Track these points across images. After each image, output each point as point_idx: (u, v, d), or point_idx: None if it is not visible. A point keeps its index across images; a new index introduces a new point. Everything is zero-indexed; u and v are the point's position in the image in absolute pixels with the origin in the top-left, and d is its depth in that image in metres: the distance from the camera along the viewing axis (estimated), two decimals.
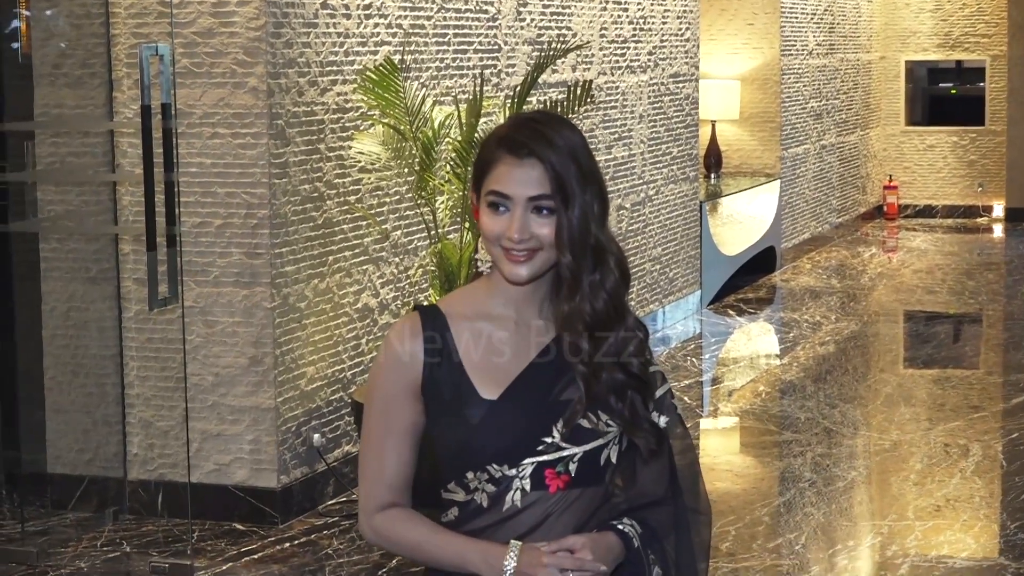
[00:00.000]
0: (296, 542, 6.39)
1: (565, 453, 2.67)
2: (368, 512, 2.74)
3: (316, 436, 6.79)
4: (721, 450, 8.21)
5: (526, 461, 2.66)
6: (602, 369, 2.66)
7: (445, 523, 2.71)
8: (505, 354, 2.70)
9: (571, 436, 2.67)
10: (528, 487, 2.67)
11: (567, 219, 2.61)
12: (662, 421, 2.75)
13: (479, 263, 2.76)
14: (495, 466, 2.66)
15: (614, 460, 2.71)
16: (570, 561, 2.61)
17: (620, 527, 2.71)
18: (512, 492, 2.67)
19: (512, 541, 2.64)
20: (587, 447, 2.68)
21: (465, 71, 7.94)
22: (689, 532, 2.81)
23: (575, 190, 2.62)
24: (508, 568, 2.62)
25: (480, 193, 2.67)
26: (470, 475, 2.68)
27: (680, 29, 11.21)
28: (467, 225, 6.49)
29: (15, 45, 6.83)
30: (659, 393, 2.76)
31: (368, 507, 2.74)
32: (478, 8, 8.11)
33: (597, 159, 8.94)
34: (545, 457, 2.67)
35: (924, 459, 7.59)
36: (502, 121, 3.55)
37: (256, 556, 6.22)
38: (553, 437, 2.67)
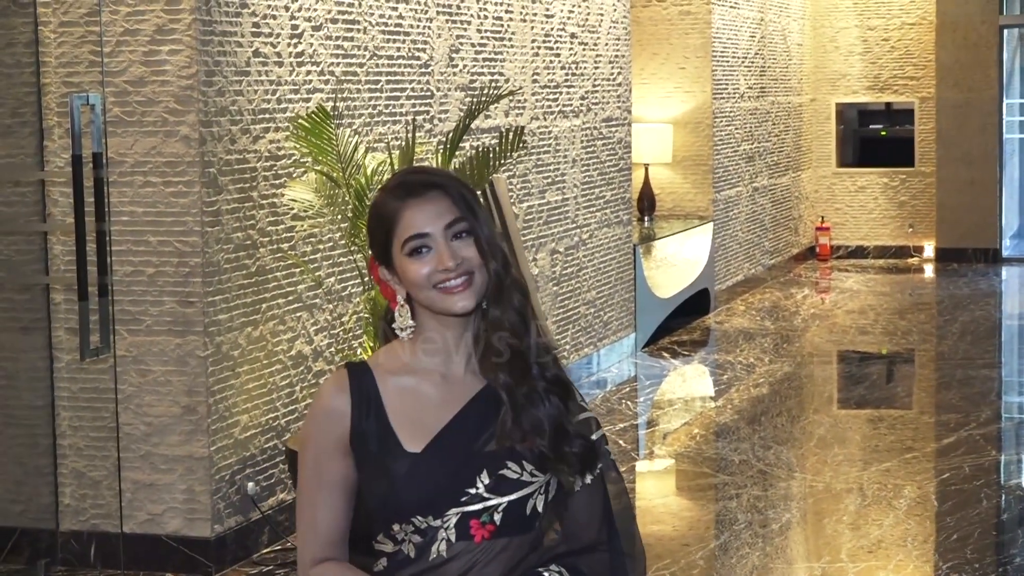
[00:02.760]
0: None
1: (490, 503, 2.70)
2: (303, 567, 2.78)
3: (250, 485, 6.76)
4: (656, 493, 8.22)
5: (450, 512, 2.69)
6: (524, 384, 2.70)
7: (375, 573, 2.73)
8: (430, 407, 2.73)
9: (495, 487, 2.70)
10: (453, 537, 2.70)
11: (482, 231, 2.70)
12: (596, 468, 2.78)
13: (398, 331, 2.78)
14: (419, 518, 2.70)
15: (541, 509, 2.73)
16: None
17: (545, 574, 2.72)
18: (438, 543, 2.70)
19: None
20: (511, 497, 2.71)
21: (398, 117, 7.96)
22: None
23: (476, 206, 2.74)
24: None
25: (391, 254, 2.71)
26: (396, 527, 2.71)
27: (612, 74, 11.27)
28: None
29: None
30: (594, 437, 2.79)
31: (303, 562, 2.78)
32: (410, 55, 8.13)
33: (530, 204, 8.90)
34: (469, 508, 2.69)
35: (858, 500, 7.63)
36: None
37: None
38: (477, 488, 2.69)
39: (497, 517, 2.69)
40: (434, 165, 2.46)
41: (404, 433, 2.70)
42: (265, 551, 6.82)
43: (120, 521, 6.40)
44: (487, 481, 2.69)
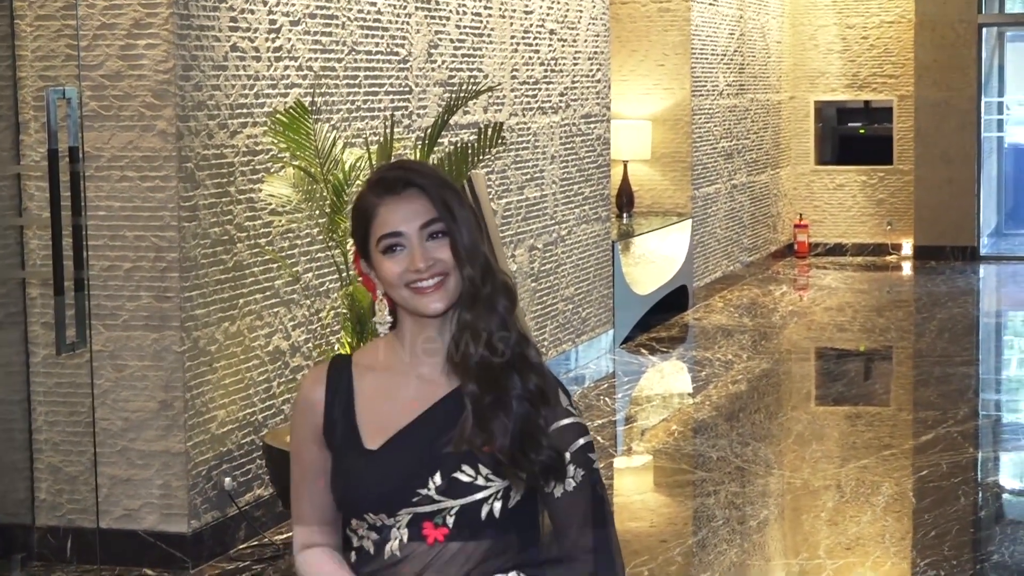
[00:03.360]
0: None
1: (442, 505, 2.69)
2: (294, 552, 2.87)
3: (227, 480, 6.74)
4: (634, 489, 8.21)
5: (402, 512, 2.70)
6: (495, 389, 2.67)
7: (352, 564, 2.78)
8: (397, 406, 2.73)
9: (447, 489, 2.69)
10: (406, 538, 2.71)
11: (459, 234, 2.65)
12: (579, 475, 2.74)
13: (377, 326, 2.75)
14: (371, 515, 2.73)
15: (497, 515, 2.71)
16: None
17: None
18: (392, 541, 2.72)
19: None
20: (463, 501, 2.69)
21: (376, 113, 7.94)
22: None
23: (457, 208, 2.67)
24: None
25: (369, 249, 2.69)
26: (354, 522, 2.77)
27: (591, 70, 11.26)
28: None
29: None
30: (579, 444, 2.76)
31: (295, 547, 2.88)
32: (389, 50, 8.11)
33: (509, 200, 8.89)
34: (421, 509, 2.69)
35: (835, 497, 7.63)
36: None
37: None
38: (428, 489, 2.68)
39: (450, 520, 2.69)
40: (418, 159, 2.44)
41: (367, 430, 2.72)
42: (242, 546, 6.80)
43: (96, 516, 6.37)
44: (439, 482, 2.67)
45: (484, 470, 2.67)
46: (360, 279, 2.84)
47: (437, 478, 2.68)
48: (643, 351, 11.85)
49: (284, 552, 6.68)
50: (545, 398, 2.71)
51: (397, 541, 2.69)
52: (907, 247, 17.15)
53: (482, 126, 7.47)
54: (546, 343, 10.37)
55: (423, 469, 2.68)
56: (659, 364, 11.53)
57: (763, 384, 10.66)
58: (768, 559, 6.82)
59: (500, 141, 6.99)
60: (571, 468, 2.73)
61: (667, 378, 11.27)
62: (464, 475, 2.68)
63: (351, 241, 6.62)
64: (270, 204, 6.94)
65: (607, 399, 10.16)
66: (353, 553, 2.76)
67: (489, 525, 2.69)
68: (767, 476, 8.11)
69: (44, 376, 6.65)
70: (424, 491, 2.67)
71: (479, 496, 2.68)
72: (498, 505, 2.70)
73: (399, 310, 2.71)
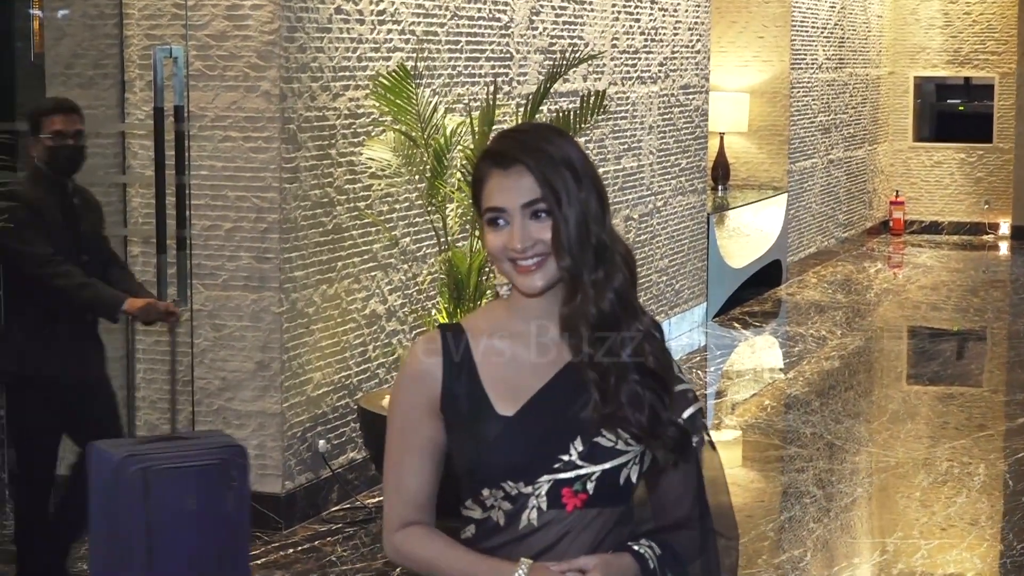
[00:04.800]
0: (299, 548, 6.38)
1: (583, 472, 2.64)
2: (390, 531, 2.72)
3: (321, 442, 6.78)
4: (725, 464, 8.11)
5: (542, 479, 2.63)
6: (614, 370, 2.63)
7: (463, 540, 2.69)
8: (524, 371, 2.67)
9: (589, 454, 2.64)
10: (544, 505, 2.64)
11: (563, 220, 2.59)
12: (692, 441, 2.72)
13: (498, 288, 2.73)
14: (510, 483, 2.63)
15: (635, 480, 2.68)
16: None
17: (637, 548, 2.67)
18: (528, 510, 2.64)
19: (522, 559, 2.61)
20: (606, 466, 2.65)
21: (477, 79, 7.93)
22: (717, 558, 2.77)
23: (567, 190, 2.60)
24: None
25: (480, 214, 2.67)
26: (486, 492, 2.65)
27: (691, 41, 11.20)
28: (476, 233, 6.48)
29: (27, 45, 6.82)
30: (689, 412, 2.73)
31: (390, 526, 2.72)
32: (491, 16, 8.10)
33: (606, 169, 8.85)
34: (562, 475, 2.63)
35: (929, 477, 7.56)
36: None
37: (259, 562, 6.20)
38: (570, 455, 2.63)
39: (590, 486, 2.63)
40: (537, 124, 2.43)
41: (497, 395, 2.64)
42: (335, 509, 6.84)
43: None
44: (581, 448, 2.62)
45: (623, 434, 2.64)
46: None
47: (579, 443, 2.62)
48: (736, 325, 11.79)
49: (375, 516, 6.71)
50: (665, 385, 2.67)
51: (535, 510, 2.62)
52: (1004, 227, 16.94)
53: (582, 94, 7.45)
54: None
55: (563, 434, 2.63)
56: (751, 338, 11.47)
57: (856, 361, 10.58)
58: (860, 538, 6.77)
59: (601, 110, 6.97)
60: (687, 428, 2.71)
61: (759, 353, 11.21)
62: (605, 439, 2.63)
63: (449, 206, 6.65)
64: (370, 168, 6.95)
65: (699, 372, 10.13)
66: (472, 527, 2.67)
67: (626, 490, 2.66)
68: (859, 454, 8.05)
69: (144, 334, 6.71)
70: (566, 457, 2.62)
71: (620, 460, 2.64)
72: (636, 470, 2.66)
73: None
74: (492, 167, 2.62)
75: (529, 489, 2.63)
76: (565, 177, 2.60)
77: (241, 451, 5.10)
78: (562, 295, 2.65)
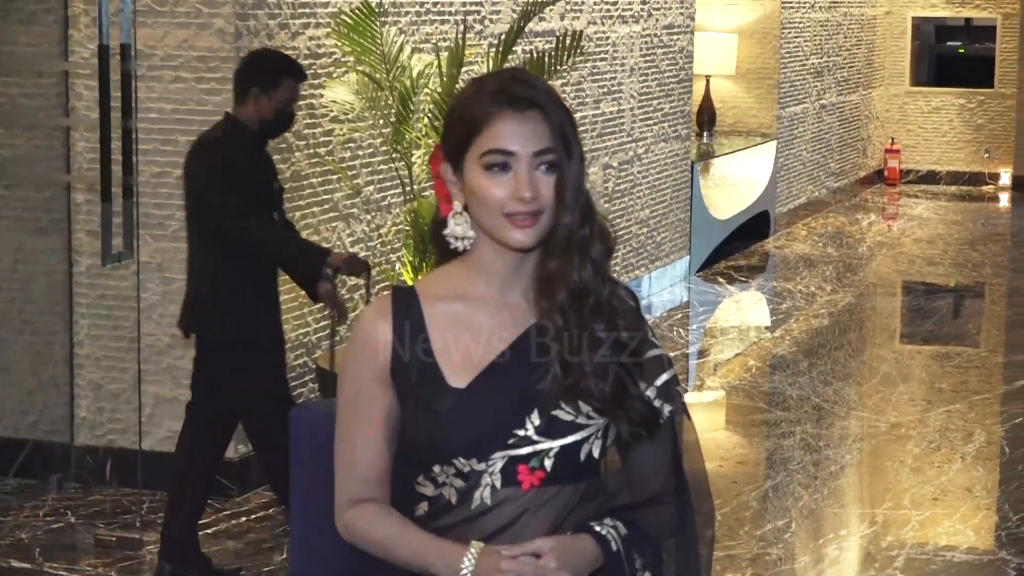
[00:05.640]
0: (253, 516, 6.34)
1: (540, 447, 2.58)
2: (341, 507, 2.68)
3: None
4: (707, 427, 8.15)
5: (496, 455, 2.58)
6: (582, 338, 2.58)
7: (417, 518, 2.64)
8: (480, 339, 2.61)
9: (547, 429, 2.58)
10: (499, 483, 2.58)
11: (569, 173, 2.55)
12: (665, 410, 2.67)
13: (454, 241, 2.64)
14: (462, 460, 2.58)
15: (596, 455, 2.63)
16: (531, 568, 2.52)
17: (598, 529, 2.61)
18: (481, 488, 2.59)
19: (473, 542, 2.56)
20: (564, 441, 2.59)
21: (447, 17, 7.85)
22: (695, 534, 2.73)
23: (573, 141, 2.57)
24: (465, 571, 2.54)
25: (463, 156, 2.58)
26: (437, 468, 2.60)
27: None
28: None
29: None
30: (663, 379, 2.68)
31: (341, 501, 2.68)
32: None
33: (584, 115, 8.79)
34: (517, 451, 2.58)
35: (922, 444, 7.55)
36: (483, 73, 3.49)
37: (210, 531, 6.16)
38: (526, 430, 2.58)
39: (548, 463, 2.58)
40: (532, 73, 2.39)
41: (449, 366, 2.58)
42: None
43: (139, 437, 6.37)
44: (538, 422, 2.57)
45: (584, 407, 2.58)
46: (433, 182, 2.70)
47: (535, 417, 2.57)
48: (720, 280, 11.77)
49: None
50: (638, 349, 2.63)
51: (488, 488, 2.57)
52: (1005, 177, 16.93)
53: (559, 34, 7.38)
54: (618, 269, 10.30)
55: (520, 407, 2.57)
56: (737, 294, 11.45)
57: (847, 319, 10.57)
58: (848, 507, 6.76)
59: (579, 51, 6.90)
60: (657, 403, 2.65)
61: (744, 310, 11.20)
62: (565, 412, 2.59)
63: (416, 153, 6.58)
64: (331, 111, 6.88)
65: (680, 330, 10.10)
66: (424, 504, 2.62)
67: (587, 467, 2.60)
68: (848, 418, 8.04)
69: (88, 287, 6.64)
70: (522, 432, 2.56)
71: (580, 436, 2.59)
72: (598, 445, 2.61)
73: (479, 233, 2.60)
74: (503, 106, 2.55)
75: (482, 466, 2.58)
76: (571, 127, 2.57)
77: None
78: (538, 255, 2.60)
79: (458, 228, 2.60)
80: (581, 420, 2.60)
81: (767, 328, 10.42)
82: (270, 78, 5.58)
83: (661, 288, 11.14)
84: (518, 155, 2.53)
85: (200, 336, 5.65)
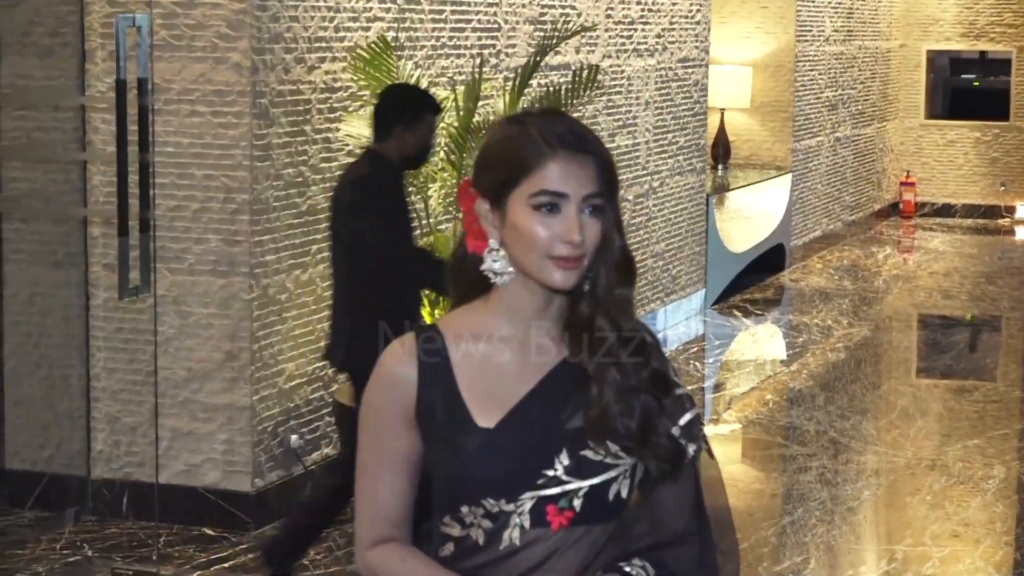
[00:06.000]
0: None
1: (569, 487, 2.57)
2: (362, 547, 2.66)
3: (294, 437, 6.72)
4: (723, 462, 8.13)
5: (525, 495, 2.57)
6: (608, 375, 2.59)
7: (442, 558, 2.62)
8: (507, 378, 2.61)
9: (576, 469, 2.58)
10: (527, 524, 2.57)
11: (612, 214, 2.58)
12: (690, 449, 2.67)
13: (493, 276, 2.63)
14: (491, 500, 2.57)
15: (625, 495, 2.62)
16: None
17: (628, 569, 2.61)
18: (510, 529, 2.57)
19: None
20: (594, 481, 2.58)
21: (462, 51, 7.86)
22: (716, 572, 2.72)
23: (615, 184, 2.60)
24: None
25: (507, 194, 2.57)
26: (464, 509, 2.59)
27: (690, 11, 11.13)
28: (460, 216, 6.42)
29: None
30: (686, 419, 2.67)
31: (362, 541, 2.66)
32: None
33: None
34: (546, 492, 2.57)
35: (940, 479, 7.52)
36: (503, 108, 3.49)
37: (227, 564, 6.15)
38: (556, 470, 2.57)
39: (577, 503, 2.57)
40: (507, 102, 2.39)
41: (476, 405, 2.57)
42: None
43: (155, 471, 6.37)
44: (567, 462, 2.55)
45: (613, 447, 2.58)
46: (463, 217, 2.69)
47: (564, 457, 2.55)
48: (736, 313, 11.75)
49: (350, 516, 6.65)
50: (667, 387, 2.63)
51: (517, 528, 2.55)
52: (1022, 210, 16.91)
53: (574, 68, 7.39)
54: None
55: (548, 447, 2.56)
56: (752, 328, 11.43)
57: (863, 353, 10.54)
58: (867, 543, 6.73)
59: (595, 85, 6.91)
60: (682, 442, 2.65)
61: (760, 343, 11.17)
62: (593, 453, 2.58)
63: (432, 187, 6.58)
64: (347, 145, 6.89)
65: (696, 363, 10.09)
66: (451, 545, 2.60)
67: (616, 507, 2.60)
68: (866, 453, 8.01)
69: (104, 321, 6.64)
70: (551, 472, 2.55)
71: (609, 475, 2.58)
72: (626, 484, 2.60)
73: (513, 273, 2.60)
74: (557, 148, 2.55)
75: (511, 507, 2.57)
76: (614, 172, 2.59)
77: None
78: (567, 296, 2.61)
79: (496, 264, 2.60)
80: (609, 460, 2.59)
81: (783, 362, 10.40)
82: (412, 114, 5.72)
83: (677, 321, 11.13)
84: (570, 197, 2.54)
85: (356, 371, 5.71)
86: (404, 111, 5.76)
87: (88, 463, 6.70)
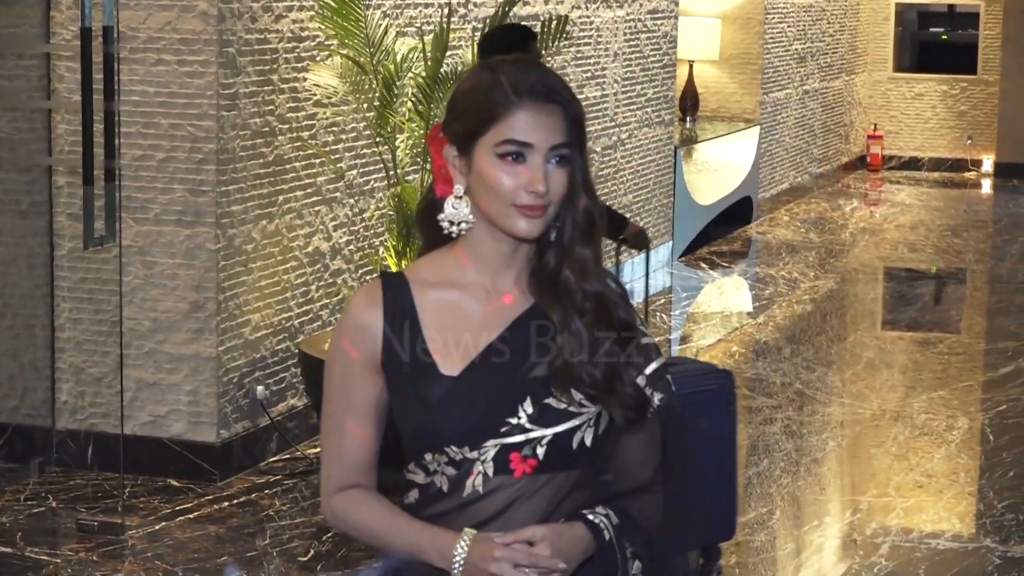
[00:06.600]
0: (235, 501, 6.32)
1: (532, 435, 2.58)
2: (327, 493, 2.68)
3: (260, 388, 6.71)
4: None
5: (488, 443, 2.58)
6: (575, 323, 2.59)
7: (406, 505, 2.64)
8: (472, 327, 2.61)
9: (539, 417, 2.58)
10: (491, 471, 2.58)
11: (580, 165, 2.58)
12: (655, 399, 2.67)
13: (449, 226, 2.62)
14: (454, 448, 2.58)
15: (589, 444, 2.62)
16: (524, 555, 2.52)
17: (591, 517, 2.61)
18: (473, 476, 2.58)
19: (465, 529, 2.56)
20: (557, 429, 2.59)
21: (431, 1, 7.82)
22: (682, 522, 2.73)
23: (583, 135, 2.60)
24: (458, 558, 2.54)
25: (474, 142, 2.57)
26: (428, 456, 2.60)
27: None
28: (427, 167, 6.40)
29: None
30: (652, 367, 2.67)
31: (327, 488, 2.67)
32: None
33: None
34: (510, 439, 2.58)
35: (905, 431, 7.55)
36: (471, 58, 3.48)
37: (192, 515, 6.14)
38: (519, 418, 2.58)
39: (540, 451, 2.58)
40: (474, 52, 2.36)
41: (441, 354, 2.58)
42: (273, 459, 6.78)
43: (120, 422, 6.35)
44: (531, 410, 2.57)
45: (577, 396, 2.58)
46: (431, 162, 2.68)
47: (528, 405, 2.57)
48: (703, 265, 11.76)
49: (316, 467, 6.65)
50: (633, 334, 2.63)
51: (480, 476, 2.56)
52: (988, 164, 16.95)
53: (543, 19, 7.36)
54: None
55: (512, 395, 2.57)
56: (719, 280, 11.45)
57: (829, 305, 10.57)
58: (832, 494, 6.75)
59: (564, 36, 6.88)
60: (647, 391, 2.65)
61: (727, 295, 11.19)
62: (557, 401, 2.59)
63: (400, 137, 6.55)
64: (315, 95, 6.86)
65: (663, 315, 10.10)
66: (415, 492, 2.62)
67: (580, 455, 2.60)
68: (831, 404, 8.04)
69: (69, 271, 6.61)
70: (514, 420, 2.56)
71: (573, 424, 2.59)
72: (590, 433, 2.61)
73: (478, 220, 2.60)
74: (523, 97, 2.55)
75: (474, 454, 2.58)
76: (582, 122, 2.60)
77: (731, 376, 5.78)
78: (534, 245, 2.62)
79: (455, 211, 2.60)
80: (573, 408, 2.59)
81: (750, 314, 10.42)
82: (520, 47, 5.66)
83: (643, 273, 11.12)
84: (536, 147, 2.53)
85: None
86: (510, 48, 5.70)
87: (53, 414, 6.68)
